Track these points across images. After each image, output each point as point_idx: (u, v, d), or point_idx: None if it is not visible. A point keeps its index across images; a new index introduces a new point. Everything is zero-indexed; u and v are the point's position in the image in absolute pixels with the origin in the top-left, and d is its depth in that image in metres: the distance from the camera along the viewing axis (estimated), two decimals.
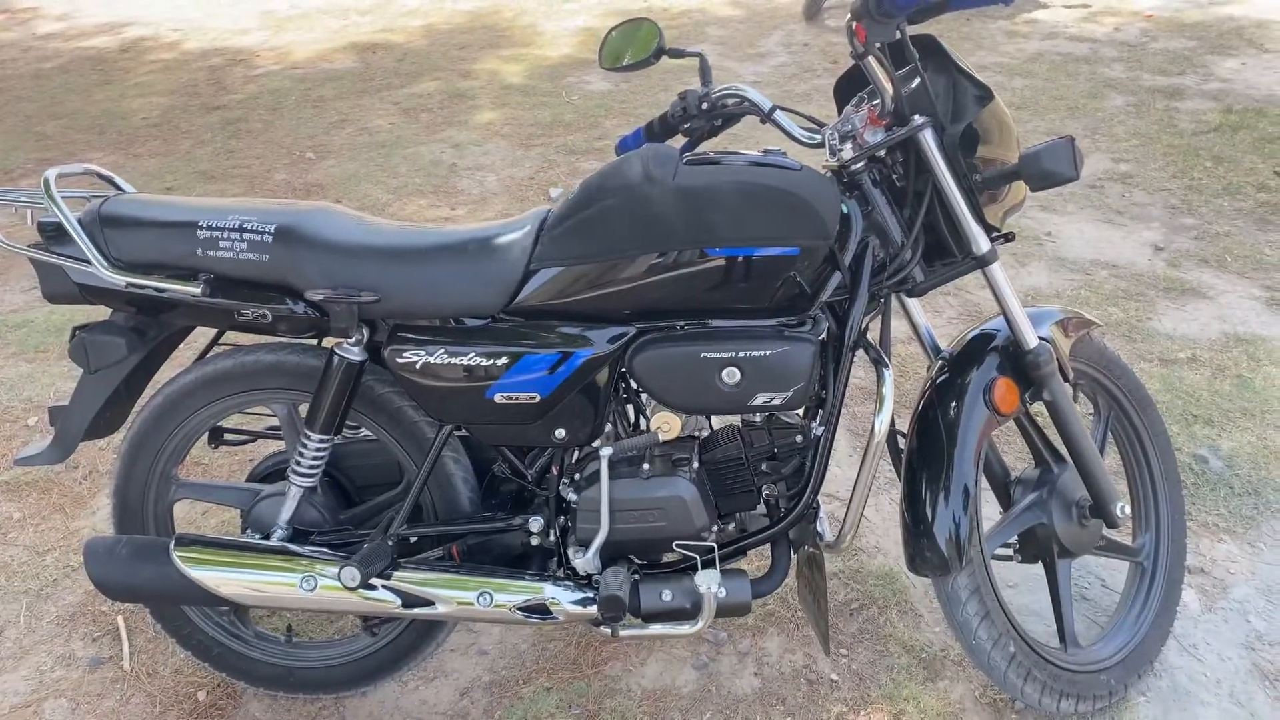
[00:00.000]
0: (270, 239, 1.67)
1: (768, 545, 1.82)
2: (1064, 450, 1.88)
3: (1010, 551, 1.94)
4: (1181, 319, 3.23)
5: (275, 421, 1.97)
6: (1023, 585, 2.19)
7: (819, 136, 1.73)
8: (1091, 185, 4.27)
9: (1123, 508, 1.87)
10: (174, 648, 2.04)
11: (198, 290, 1.66)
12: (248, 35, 7.47)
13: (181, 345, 1.93)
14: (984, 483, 1.91)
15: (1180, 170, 4.33)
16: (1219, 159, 4.39)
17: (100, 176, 1.87)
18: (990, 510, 2.01)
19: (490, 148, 5.03)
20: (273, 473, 2.00)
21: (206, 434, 1.97)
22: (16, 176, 4.89)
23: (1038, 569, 1.95)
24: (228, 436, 2.07)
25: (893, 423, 1.85)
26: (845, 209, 1.68)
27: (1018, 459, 2.51)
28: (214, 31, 7.62)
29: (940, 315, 3.27)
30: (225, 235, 1.68)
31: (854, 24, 1.56)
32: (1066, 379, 1.83)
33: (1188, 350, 3.05)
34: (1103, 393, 2.01)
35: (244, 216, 1.70)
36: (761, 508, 1.84)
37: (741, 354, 1.63)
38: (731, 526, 1.86)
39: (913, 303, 1.88)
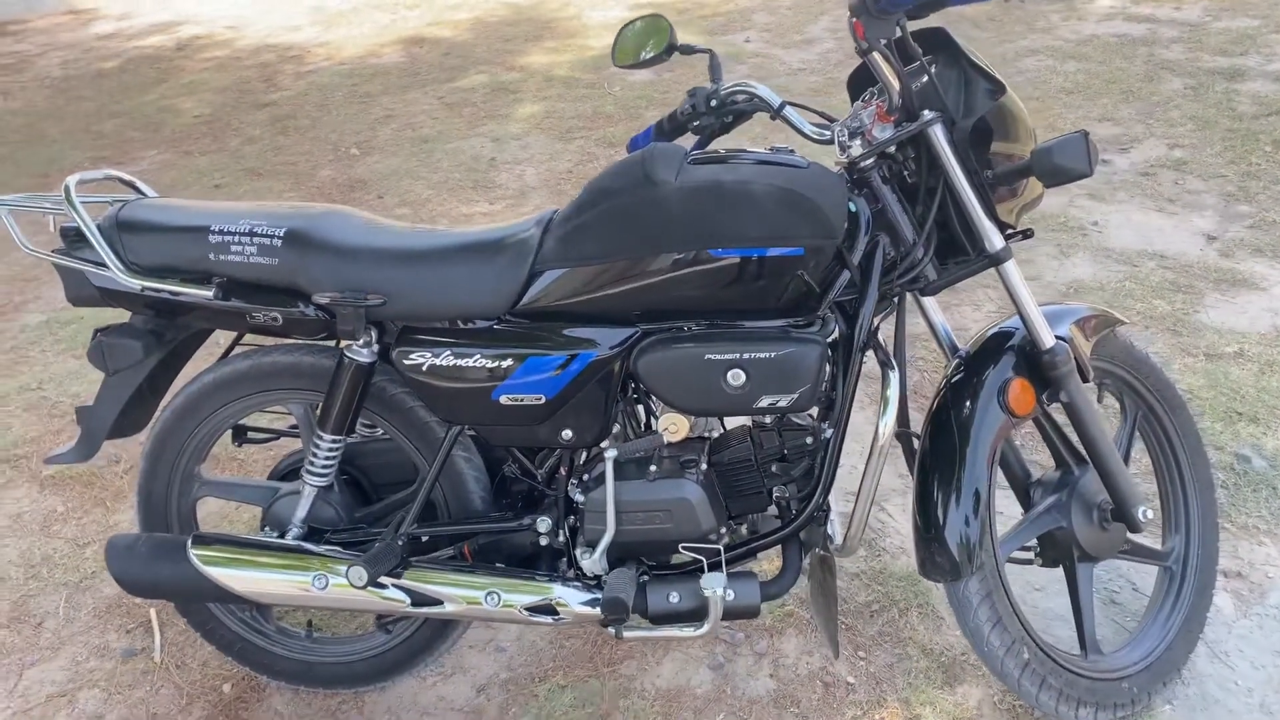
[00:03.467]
0: (279, 243, 1.70)
1: (779, 547, 1.80)
2: (1084, 452, 1.83)
3: (1030, 555, 1.89)
4: (1231, 311, 3.12)
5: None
6: (1050, 589, 2.14)
7: (828, 133, 1.71)
8: (1144, 173, 4.14)
9: (1145, 511, 1.81)
10: (201, 641, 2.10)
11: (210, 294, 1.70)
12: (299, 32, 7.60)
13: (206, 345, 1.97)
14: (1005, 484, 1.87)
15: (1238, 156, 4.18)
16: (1279, 144, 4.22)
17: (121, 181, 1.92)
18: (1014, 512, 1.97)
19: (530, 141, 5.05)
20: (292, 471, 2.04)
21: (230, 432, 2.01)
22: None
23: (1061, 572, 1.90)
24: (251, 435, 2.10)
25: (908, 424, 1.83)
26: (854, 207, 1.65)
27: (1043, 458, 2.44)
28: (266, 28, 7.75)
29: (980, 309, 3.20)
30: (236, 239, 1.71)
31: (853, 20, 1.53)
32: (1086, 379, 1.78)
33: (1235, 344, 2.94)
34: (1129, 392, 1.95)
35: (254, 221, 1.73)
36: (773, 509, 1.83)
37: (746, 356, 1.62)
38: (743, 528, 1.85)
39: (929, 302, 1.84)
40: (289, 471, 2.04)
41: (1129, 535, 1.88)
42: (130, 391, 1.85)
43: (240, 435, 2.07)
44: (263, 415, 1.99)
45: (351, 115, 5.63)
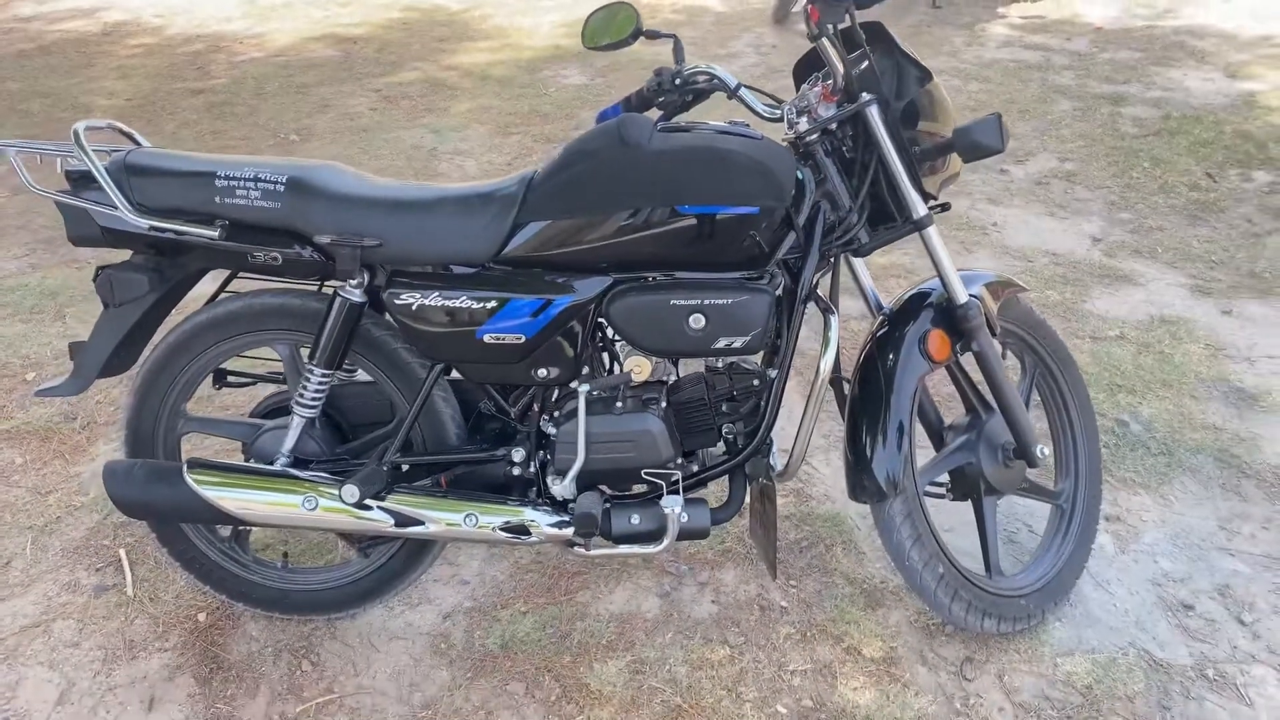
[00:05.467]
0: (282, 188, 1.85)
1: (726, 479, 2.02)
2: (991, 399, 2.10)
3: (943, 491, 2.16)
4: (1113, 302, 3.49)
5: (274, 368, 2.14)
6: (958, 530, 2.41)
7: (779, 111, 1.94)
8: (1038, 182, 4.54)
9: (1042, 449, 2.09)
10: (174, 576, 2.22)
11: (215, 234, 1.84)
12: (230, 23, 7.59)
13: (192, 292, 2.09)
14: (920, 430, 2.13)
15: (1120, 170, 4.62)
16: (1156, 160, 4.68)
17: (121, 132, 2.04)
18: (928, 458, 2.23)
19: (469, 134, 5.21)
20: (271, 411, 2.17)
21: (210, 377, 2.13)
22: None
23: (971, 516, 2.16)
24: (230, 378, 2.23)
25: (839, 369, 2.07)
26: (800, 175, 1.88)
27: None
28: (196, 18, 7.72)
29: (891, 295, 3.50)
30: (241, 184, 1.85)
31: (809, 6, 1.77)
32: (994, 334, 2.05)
33: (1116, 329, 3.31)
34: (1029, 351, 2.23)
35: (258, 168, 1.87)
36: (721, 446, 2.05)
37: (706, 302, 1.83)
38: (694, 464, 2.06)
39: (859, 264, 2.09)
40: (269, 411, 2.18)
41: (1027, 474, 2.16)
42: (128, 326, 1.96)
43: (220, 379, 2.19)
44: (239, 360, 2.12)
45: (288, 104, 5.70)
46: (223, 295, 2.05)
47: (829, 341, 1.89)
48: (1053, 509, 2.30)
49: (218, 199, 1.85)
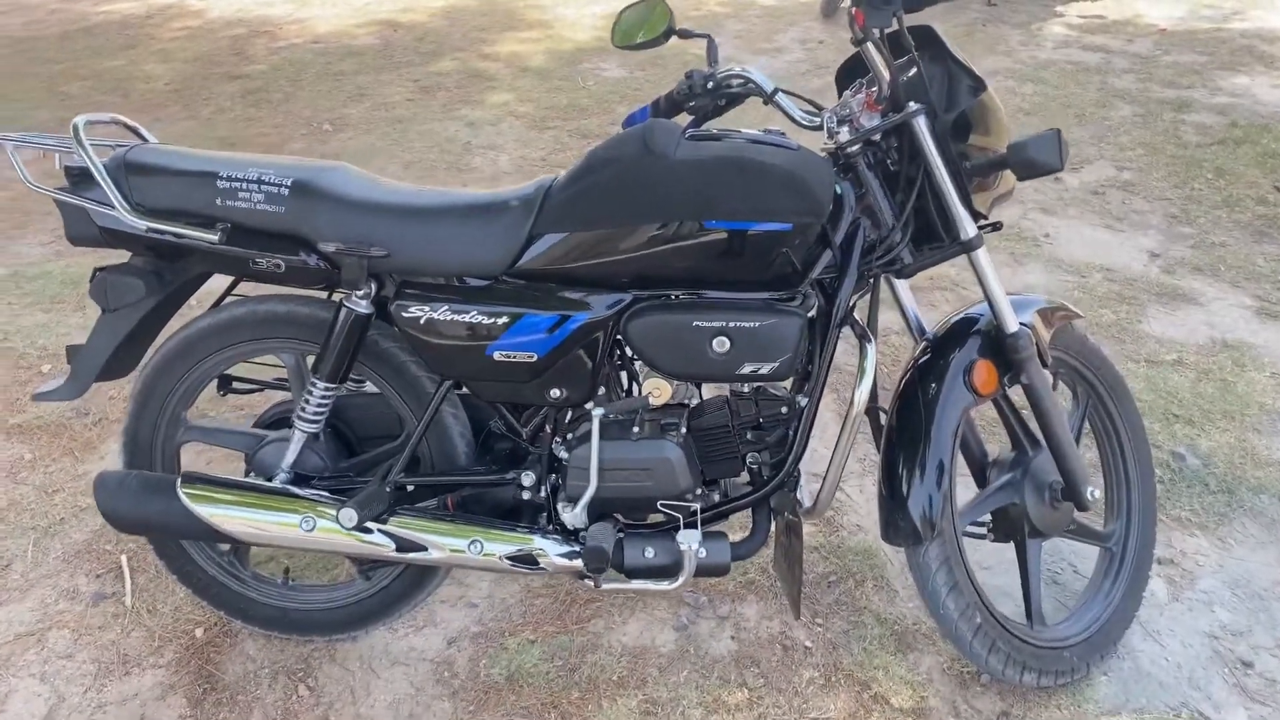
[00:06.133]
0: (287, 192, 1.75)
1: (749, 511, 1.89)
2: (1040, 435, 1.95)
3: (984, 530, 2.01)
4: (1171, 323, 3.30)
5: (281, 373, 2.05)
6: (996, 567, 2.26)
7: (818, 119, 1.80)
8: (1094, 191, 4.33)
9: (1093, 491, 1.94)
10: (174, 587, 2.14)
11: (215, 238, 1.74)
12: (272, 7, 7.56)
13: (196, 296, 2.00)
14: (962, 464, 1.98)
15: (1182, 181, 4.40)
16: (1220, 171, 4.45)
17: (126, 126, 1.95)
18: (969, 492, 2.08)
19: (504, 128, 5.10)
20: (276, 421, 2.08)
21: (215, 383, 2.05)
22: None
23: (1011, 553, 2.02)
24: (236, 385, 2.14)
25: (875, 399, 1.93)
26: (839, 190, 1.75)
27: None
28: (239, 2, 7.70)
29: (936, 310, 3.34)
30: (244, 186, 1.76)
31: (853, 9, 1.63)
32: (1045, 365, 1.90)
33: (1174, 353, 3.12)
34: (1082, 382, 2.07)
35: (262, 170, 1.78)
36: (745, 475, 1.92)
37: (732, 324, 1.71)
38: (715, 493, 1.93)
39: (901, 286, 1.95)
40: (274, 421, 2.08)
41: (1075, 515, 2.00)
42: (126, 331, 1.88)
43: (225, 385, 2.11)
44: (246, 367, 2.03)
45: (324, 92, 5.64)
46: (227, 300, 1.96)
47: (865, 372, 1.75)
48: (1101, 552, 2.14)
49: (219, 201, 1.76)
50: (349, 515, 1.79)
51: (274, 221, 1.76)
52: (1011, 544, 2.00)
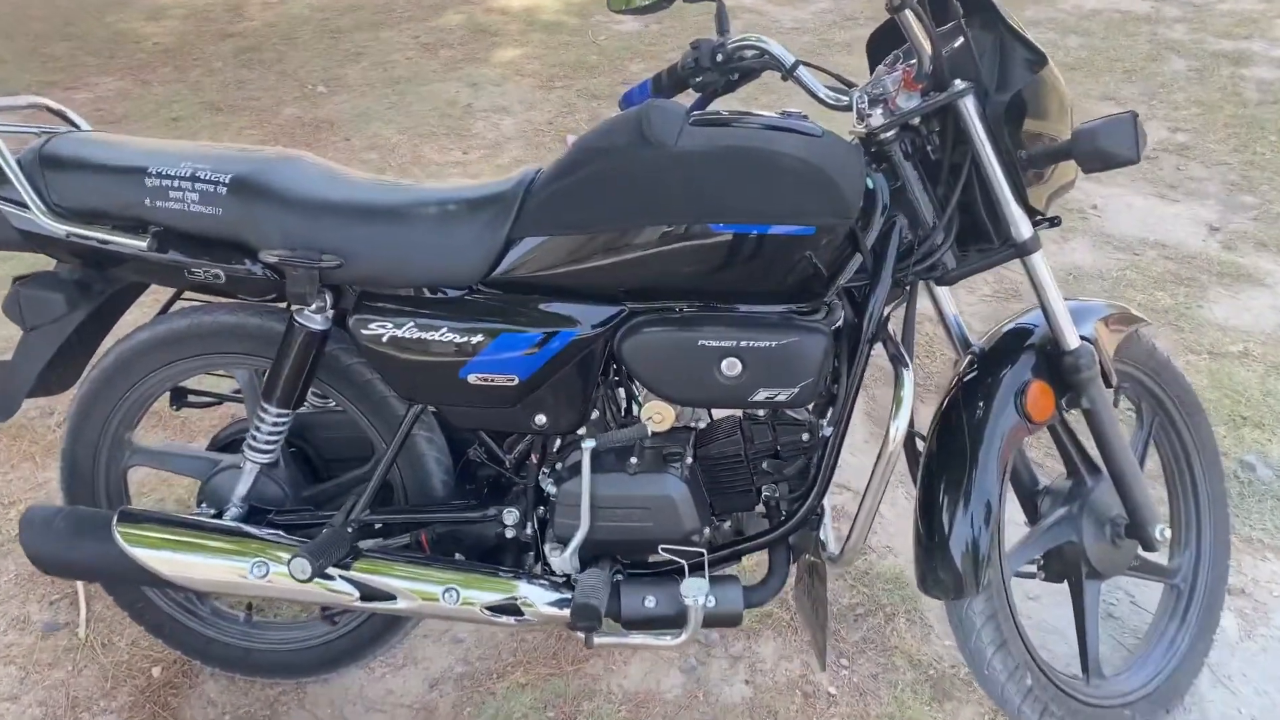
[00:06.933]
0: (224, 190, 1.51)
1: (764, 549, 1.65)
2: (1100, 461, 1.69)
3: (1033, 569, 1.76)
4: (1235, 308, 3.00)
5: None
6: (1045, 598, 2.01)
7: (846, 99, 1.54)
8: (1146, 156, 3.98)
9: (1162, 530, 1.68)
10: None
11: (144, 244, 1.51)
12: None
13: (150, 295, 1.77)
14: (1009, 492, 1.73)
15: (1242, 144, 4.04)
16: None
17: (51, 110, 1.71)
18: (1016, 517, 1.83)
19: (509, 88, 4.81)
20: (235, 440, 1.85)
21: (168, 394, 1.82)
22: None
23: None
24: (191, 397, 1.91)
25: (911, 423, 1.69)
26: (871, 183, 1.48)
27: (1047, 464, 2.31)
28: None
29: (974, 294, 3.06)
30: (176, 184, 1.52)
31: None
32: (1109, 384, 1.63)
33: (1240, 343, 2.82)
34: (1148, 397, 1.81)
35: (198, 164, 1.53)
36: (760, 508, 1.68)
37: (744, 344, 1.46)
38: (726, 525, 1.70)
39: (942, 291, 1.69)
40: (231, 441, 1.86)
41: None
42: (52, 349, 1.65)
43: (180, 397, 1.88)
44: (207, 376, 1.80)
45: (320, 51, 5.35)
46: (174, 308, 1.72)
47: (902, 402, 1.49)
48: (1166, 588, 1.88)
49: (148, 201, 1.52)
50: (301, 566, 1.55)
51: (210, 225, 1.52)
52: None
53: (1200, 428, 1.85)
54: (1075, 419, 1.68)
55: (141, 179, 1.52)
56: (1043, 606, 2.01)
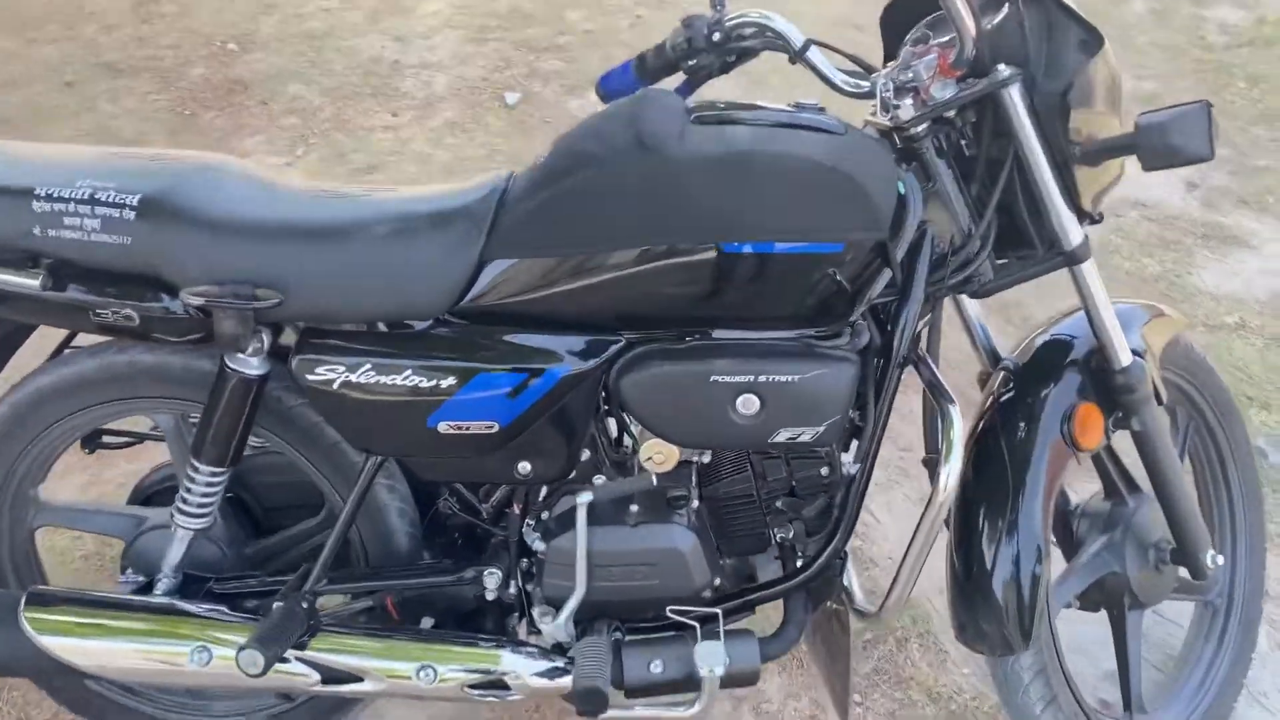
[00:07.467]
0: (132, 215, 1.25)
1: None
2: (1141, 481, 1.54)
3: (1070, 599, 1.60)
4: (1224, 273, 2.88)
5: None
6: (1069, 614, 1.86)
7: (867, 85, 1.32)
8: None
9: (1214, 557, 1.53)
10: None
11: (36, 283, 1.24)
12: None
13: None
14: None
15: (1211, 91, 3.91)
16: (1254, 79, 3.98)
17: None
18: None
19: (438, 41, 4.46)
20: (161, 491, 1.60)
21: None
22: None
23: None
24: (106, 439, 1.64)
25: (926, 443, 1.52)
26: (902, 187, 1.28)
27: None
28: None
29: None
30: (72, 209, 1.25)
31: None
32: (1160, 401, 1.46)
33: (1235, 313, 2.70)
34: (1184, 401, 1.66)
35: (98, 182, 1.26)
36: (774, 552, 1.49)
37: (762, 378, 1.27)
38: (730, 563, 1.51)
39: (969, 302, 1.50)
40: (156, 492, 1.61)
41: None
42: None
43: (93, 439, 1.61)
44: None
45: (228, 2, 4.90)
46: (69, 349, 1.45)
47: (952, 446, 1.30)
48: (1199, 606, 1.75)
49: (38, 230, 1.26)
50: (252, 659, 1.31)
51: (118, 257, 1.26)
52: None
53: (1235, 430, 1.72)
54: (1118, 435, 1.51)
55: (27, 203, 1.25)
56: (1067, 623, 1.86)
